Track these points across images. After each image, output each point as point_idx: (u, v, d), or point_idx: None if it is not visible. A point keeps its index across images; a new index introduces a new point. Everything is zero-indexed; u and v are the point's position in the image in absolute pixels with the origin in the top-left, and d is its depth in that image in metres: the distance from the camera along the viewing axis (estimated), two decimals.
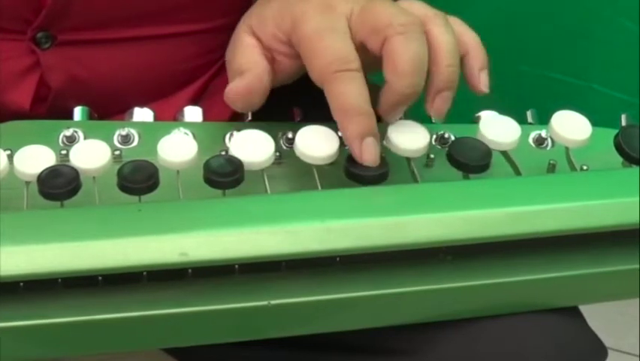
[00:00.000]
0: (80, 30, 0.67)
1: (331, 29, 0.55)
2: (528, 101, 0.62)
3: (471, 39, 0.58)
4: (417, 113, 0.61)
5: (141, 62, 0.70)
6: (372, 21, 0.55)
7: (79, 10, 0.66)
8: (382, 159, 0.54)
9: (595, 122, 0.59)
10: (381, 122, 0.60)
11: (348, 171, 0.54)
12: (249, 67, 0.57)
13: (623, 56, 1.13)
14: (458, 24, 0.58)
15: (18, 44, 0.67)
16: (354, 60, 0.54)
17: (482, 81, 0.58)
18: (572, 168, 0.59)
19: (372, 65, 0.55)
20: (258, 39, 0.59)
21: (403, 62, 0.53)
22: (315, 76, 0.55)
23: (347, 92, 0.54)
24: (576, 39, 1.14)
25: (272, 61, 0.58)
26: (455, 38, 0.56)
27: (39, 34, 0.66)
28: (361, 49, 0.55)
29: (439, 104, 0.56)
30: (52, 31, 0.67)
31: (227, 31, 0.73)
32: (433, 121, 0.61)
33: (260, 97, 0.57)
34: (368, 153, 0.54)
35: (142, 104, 0.64)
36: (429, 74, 0.55)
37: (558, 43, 1.15)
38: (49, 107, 0.68)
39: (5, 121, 0.58)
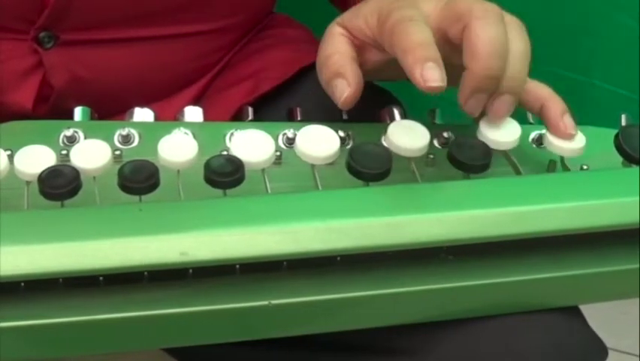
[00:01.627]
0: (83, 30, 0.67)
1: (410, 18, 0.55)
2: None
3: (544, 89, 0.59)
4: (417, 113, 0.61)
5: (143, 62, 0.70)
6: (454, 11, 0.56)
7: (81, 10, 0.66)
8: (386, 155, 0.54)
9: (596, 118, 0.59)
10: (381, 123, 0.60)
11: (351, 168, 0.54)
12: (342, 64, 0.58)
13: (624, 52, 1.13)
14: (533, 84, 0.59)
15: (21, 44, 0.67)
16: (419, 15, 0.55)
17: (568, 125, 0.58)
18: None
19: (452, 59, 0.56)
20: (348, 30, 0.60)
21: (481, 44, 0.54)
22: (399, 57, 0.54)
23: (411, 31, 0.54)
24: (577, 36, 1.14)
25: (361, 48, 0.59)
26: (529, 45, 0.57)
27: (42, 34, 0.67)
28: (442, 45, 0.55)
29: (501, 107, 0.56)
30: (54, 31, 0.67)
31: (229, 32, 0.73)
32: (436, 121, 0.61)
33: (361, 87, 0.58)
34: (430, 75, 0.52)
35: (143, 104, 0.64)
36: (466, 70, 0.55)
37: (559, 40, 1.15)
38: (51, 108, 0.68)
39: (7, 121, 0.58)
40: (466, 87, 0.55)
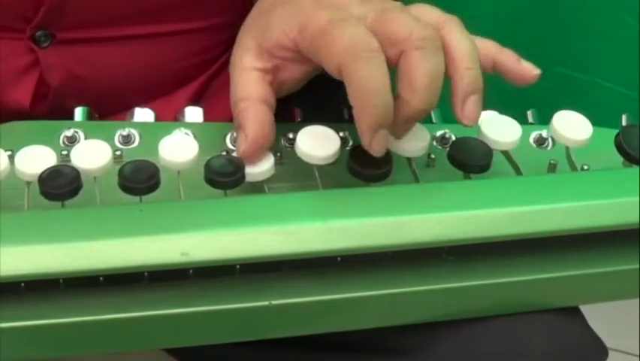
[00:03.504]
0: (79, 28, 0.67)
1: (344, 19, 0.53)
2: (531, 95, 0.62)
3: (490, 45, 0.58)
4: None
5: (140, 60, 0.70)
6: (390, 31, 0.53)
7: (77, 9, 0.66)
8: (387, 154, 0.54)
9: (597, 116, 0.59)
10: None
11: (351, 168, 0.54)
12: (245, 114, 0.55)
13: (625, 51, 1.13)
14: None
15: (17, 43, 0.67)
16: (373, 42, 0.52)
17: (527, 67, 0.57)
18: (573, 167, 0.59)
19: None
20: (261, 54, 0.56)
21: (419, 78, 0.52)
22: (332, 64, 0.52)
23: (368, 75, 0.51)
24: (578, 34, 1.14)
25: (277, 69, 0.57)
26: (473, 42, 0.55)
27: (38, 33, 0.67)
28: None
29: (469, 110, 0.54)
30: (51, 30, 0.67)
31: (227, 29, 0.73)
32: (436, 121, 0.61)
33: (268, 139, 0.55)
34: (377, 145, 0.52)
35: (142, 102, 0.64)
36: (452, 81, 0.54)
37: (561, 38, 1.15)
38: (49, 106, 0.68)
39: (6, 120, 0.58)
40: (399, 117, 0.53)
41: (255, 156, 0.54)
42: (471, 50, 0.54)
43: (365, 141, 0.52)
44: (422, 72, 0.52)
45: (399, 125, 0.53)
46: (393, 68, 0.53)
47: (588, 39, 1.15)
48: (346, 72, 0.51)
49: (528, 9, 1.13)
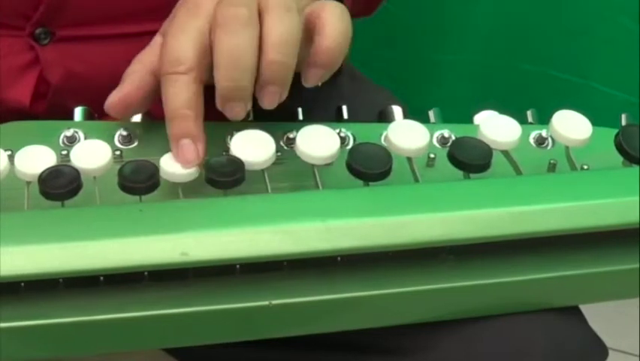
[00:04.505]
0: (79, 26, 0.67)
1: (182, 30, 0.55)
2: (529, 99, 0.62)
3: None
4: (417, 113, 0.61)
5: None
6: (214, 13, 0.54)
7: (77, 6, 0.66)
8: (386, 155, 0.54)
9: (595, 121, 0.59)
10: (382, 123, 0.60)
11: (351, 168, 0.54)
12: (132, 71, 0.58)
13: (624, 55, 1.13)
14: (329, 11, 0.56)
15: (17, 40, 0.67)
16: (185, 62, 0.54)
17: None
18: (572, 167, 0.59)
19: None
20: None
21: (220, 56, 0.53)
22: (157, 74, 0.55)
23: (169, 94, 0.54)
24: (577, 38, 1.14)
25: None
26: (295, 28, 0.54)
27: (38, 30, 0.67)
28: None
29: (265, 98, 0.55)
30: (50, 27, 0.67)
31: None
32: (436, 121, 0.61)
33: (140, 105, 0.57)
34: (182, 154, 0.54)
35: None
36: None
37: (559, 42, 1.15)
38: (48, 105, 0.68)
39: (5, 120, 0.58)
40: (217, 97, 0.54)
41: (123, 112, 0.57)
42: (283, 39, 0.54)
43: (173, 153, 0.54)
44: (222, 51, 0.53)
45: (222, 105, 0.54)
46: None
47: (586, 43, 1.14)
48: (161, 89, 0.55)
49: (527, 13, 1.13)
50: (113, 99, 0.56)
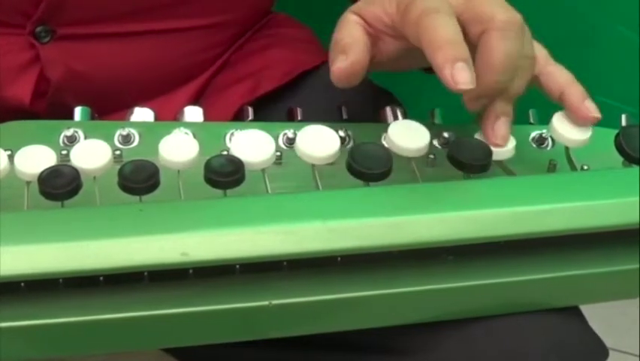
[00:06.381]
0: (80, 24, 0.67)
1: (436, 10, 0.54)
2: (529, 99, 0.62)
3: (564, 75, 0.60)
4: (417, 113, 0.61)
5: (141, 57, 0.70)
6: (477, 10, 0.55)
7: (77, 4, 0.66)
8: (386, 155, 0.54)
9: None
10: (381, 123, 0.60)
11: (351, 168, 0.54)
12: (349, 42, 0.57)
13: (622, 64, 1.12)
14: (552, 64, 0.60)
15: (18, 39, 0.67)
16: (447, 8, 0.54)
17: (590, 108, 0.58)
18: (572, 167, 0.59)
19: None
20: (363, 18, 0.59)
21: (496, 57, 0.54)
22: (427, 51, 0.54)
23: (438, 24, 0.53)
24: (575, 47, 1.13)
25: (375, 38, 0.59)
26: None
27: (38, 28, 0.67)
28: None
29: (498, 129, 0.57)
30: (51, 25, 0.67)
31: (227, 28, 0.73)
32: (436, 121, 0.61)
33: (362, 73, 0.58)
34: (460, 77, 0.52)
35: (142, 100, 0.64)
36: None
37: (557, 51, 1.15)
38: (48, 103, 0.69)
39: (5, 117, 0.58)
40: (472, 91, 0.54)
41: (349, 80, 0.57)
42: (532, 66, 0.57)
43: (446, 80, 0.52)
44: (499, 52, 0.54)
45: (469, 101, 0.55)
46: (475, 44, 0.55)
47: (584, 52, 1.14)
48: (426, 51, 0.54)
49: (525, 21, 1.12)
50: (346, 67, 0.57)
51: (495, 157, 0.56)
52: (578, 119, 0.58)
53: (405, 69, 0.62)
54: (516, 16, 0.56)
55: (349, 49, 0.57)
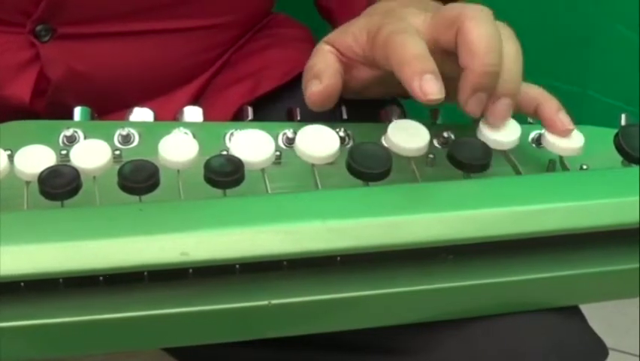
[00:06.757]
0: (80, 23, 0.67)
1: (403, 30, 0.55)
2: None
3: (536, 90, 0.60)
4: (417, 113, 0.61)
5: (142, 57, 0.70)
6: (444, 18, 0.56)
7: (78, 3, 0.66)
8: (386, 155, 0.54)
9: None
10: (381, 123, 0.60)
11: (351, 168, 0.54)
12: (322, 68, 0.59)
13: (621, 63, 1.12)
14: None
15: (18, 37, 0.67)
16: (429, 55, 0.54)
17: (564, 121, 0.58)
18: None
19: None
20: (335, 47, 0.60)
21: (477, 41, 0.54)
22: (396, 69, 0.54)
23: (405, 42, 0.54)
24: (574, 46, 1.14)
25: (349, 66, 0.60)
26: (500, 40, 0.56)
27: (39, 27, 0.67)
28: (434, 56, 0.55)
29: (473, 103, 0.56)
30: (51, 24, 0.67)
31: (228, 29, 0.73)
32: (436, 121, 0.61)
33: (336, 96, 0.59)
34: (429, 87, 0.52)
35: (141, 100, 0.64)
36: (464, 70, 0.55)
37: (556, 51, 1.15)
38: (48, 102, 0.69)
39: (5, 117, 0.58)
40: (466, 87, 0.54)
41: (323, 103, 0.59)
42: (518, 54, 0.56)
43: (416, 92, 0.53)
44: (478, 36, 0.54)
45: (468, 98, 0.55)
46: (456, 51, 0.55)
47: (584, 52, 1.14)
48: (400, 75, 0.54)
49: (524, 22, 1.12)
50: (320, 91, 0.58)
51: (499, 147, 0.56)
52: (553, 132, 0.58)
53: (379, 96, 0.63)
54: (484, 7, 0.56)
55: (322, 74, 0.59)
